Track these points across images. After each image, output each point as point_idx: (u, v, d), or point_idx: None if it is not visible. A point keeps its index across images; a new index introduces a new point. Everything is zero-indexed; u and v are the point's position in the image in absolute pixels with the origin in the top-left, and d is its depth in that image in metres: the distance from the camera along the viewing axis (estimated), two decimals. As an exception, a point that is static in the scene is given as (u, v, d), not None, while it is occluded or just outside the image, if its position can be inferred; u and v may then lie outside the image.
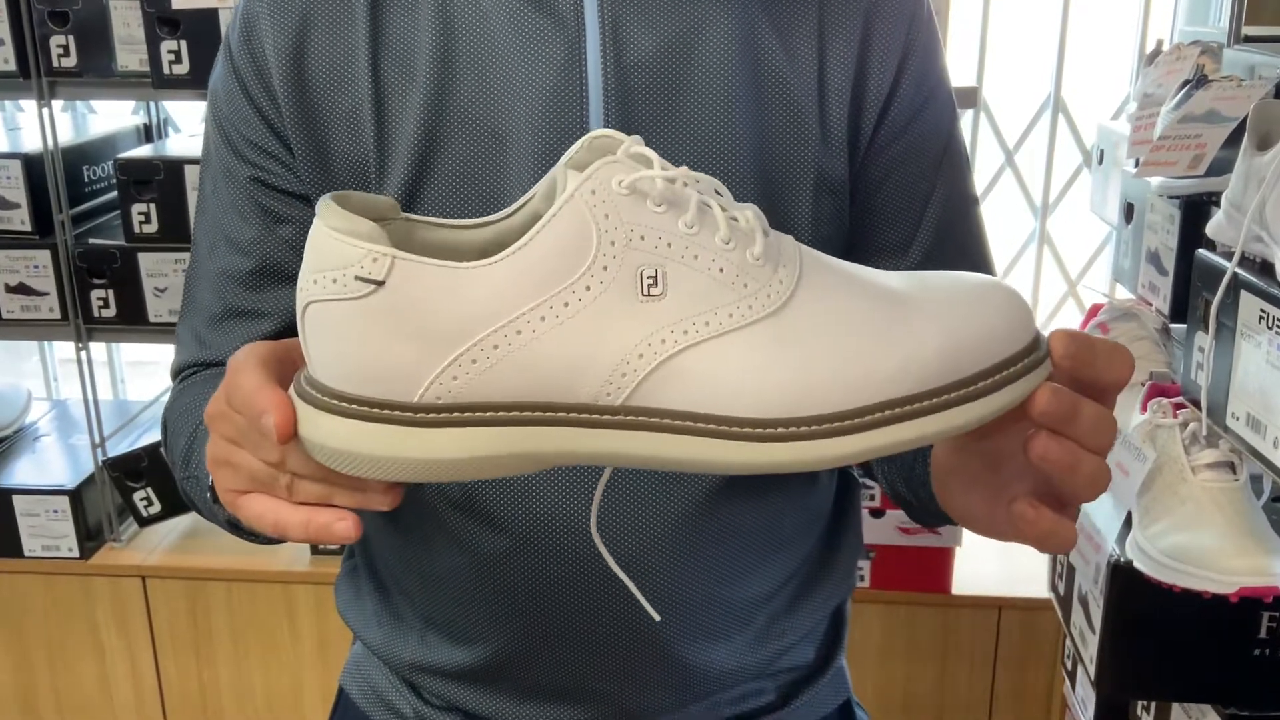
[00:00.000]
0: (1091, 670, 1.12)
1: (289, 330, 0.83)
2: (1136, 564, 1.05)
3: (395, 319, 0.51)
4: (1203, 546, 1.00)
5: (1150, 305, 1.33)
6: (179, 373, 0.87)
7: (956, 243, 0.86)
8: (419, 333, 0.51)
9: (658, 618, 0.69)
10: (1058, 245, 2.13)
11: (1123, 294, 1.54)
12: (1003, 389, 0.53)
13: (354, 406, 0.52)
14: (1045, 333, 0.56)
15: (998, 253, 2.29)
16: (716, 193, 0.55)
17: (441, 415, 0.51)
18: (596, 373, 0.52)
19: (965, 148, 0.88)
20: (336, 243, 0.51)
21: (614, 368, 0.52)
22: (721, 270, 0.53)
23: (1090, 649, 1.12)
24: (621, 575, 0.65)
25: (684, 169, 0.54)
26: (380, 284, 0.50)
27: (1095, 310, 1.44)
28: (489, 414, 0.52)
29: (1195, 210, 1.22)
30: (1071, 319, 2.06)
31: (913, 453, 0.76)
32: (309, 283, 0.52)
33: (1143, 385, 1.21)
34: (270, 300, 0.83)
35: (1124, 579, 1.06)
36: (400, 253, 0.51)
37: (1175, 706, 1.17)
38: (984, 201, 2.14)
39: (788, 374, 0.52)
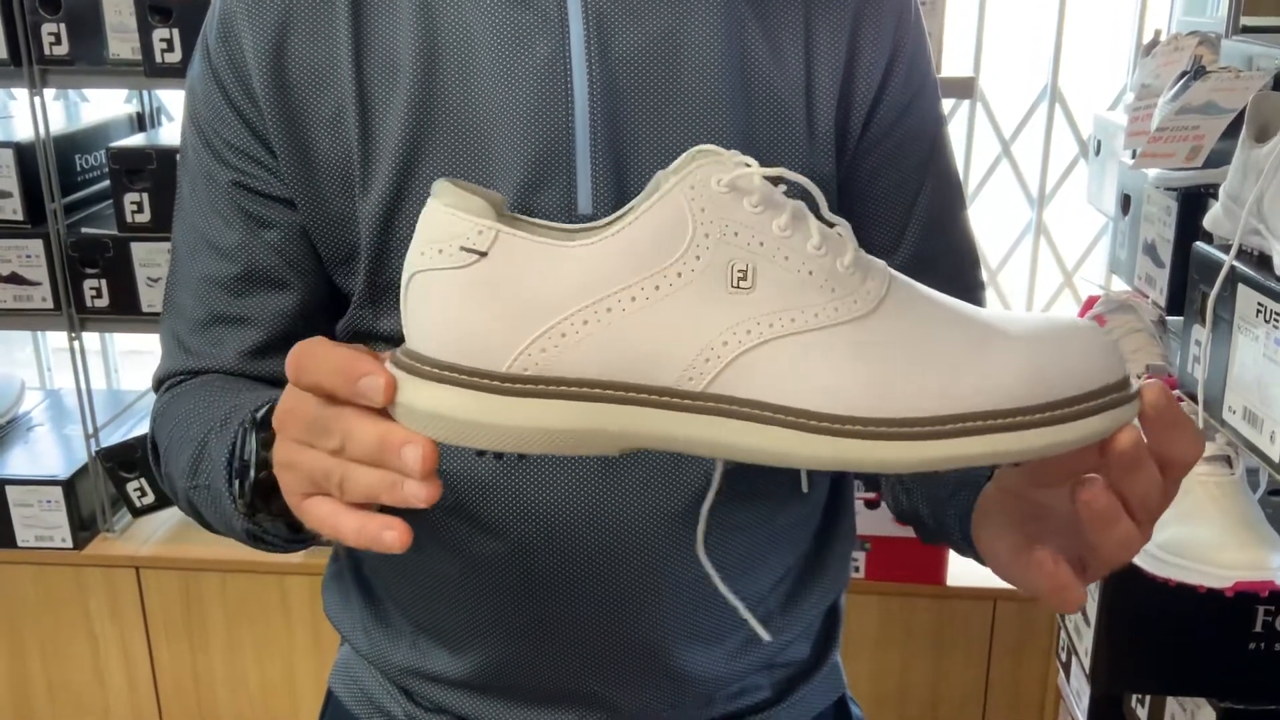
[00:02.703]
0: (1087, 663, 1.12)
1: (275, 338, 0.81)
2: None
3: (493, 290, 0.53)
4: (1199, 540, 1.00)
5: (1147, 297, 1.33)
6: (162, 382, 0.85)
7: (945, 241, 0.86)
8: (514, 304, 0.53)
9: (768, 638, 0.71)
10: (1054, 236, 2.12)
11: (1119, 285, 1.54)
12: (1087, 418, 0.53)
13: (447, 373, 0.54)
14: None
15: (994, 243, 2.28)
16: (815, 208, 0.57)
17: (527, 386, 0.53)
18: (681, 356, 0.53)
19: (950, 145, 0.87)
20: (448, 217, 0.53)
21: (698, 353, 0.53)
22: (811, 273, 0.54)
23: (1086, 642, 1.12)
24: (730, 596, 0.68)
25: (784, 169, 0.55)
26: (484, 254, 0.53)
27: (1092, 302, 1.44)
28: (572, 388, 0.53)
29: (1193, 202, 1.21)
30: (1067, 310, 2.06)
31: (955, 482, 0.76)
32: (416, 255, 0.54)
33: (1139, 378, 1.21)
34: (256, 306, 0.80)
35: (1120, 572, 1.06)
36: (505, 227, 0.53)
37: (1169, 700, 1.17)
38: (980, 192, 2.14)
39: (867, 376, 0.53)
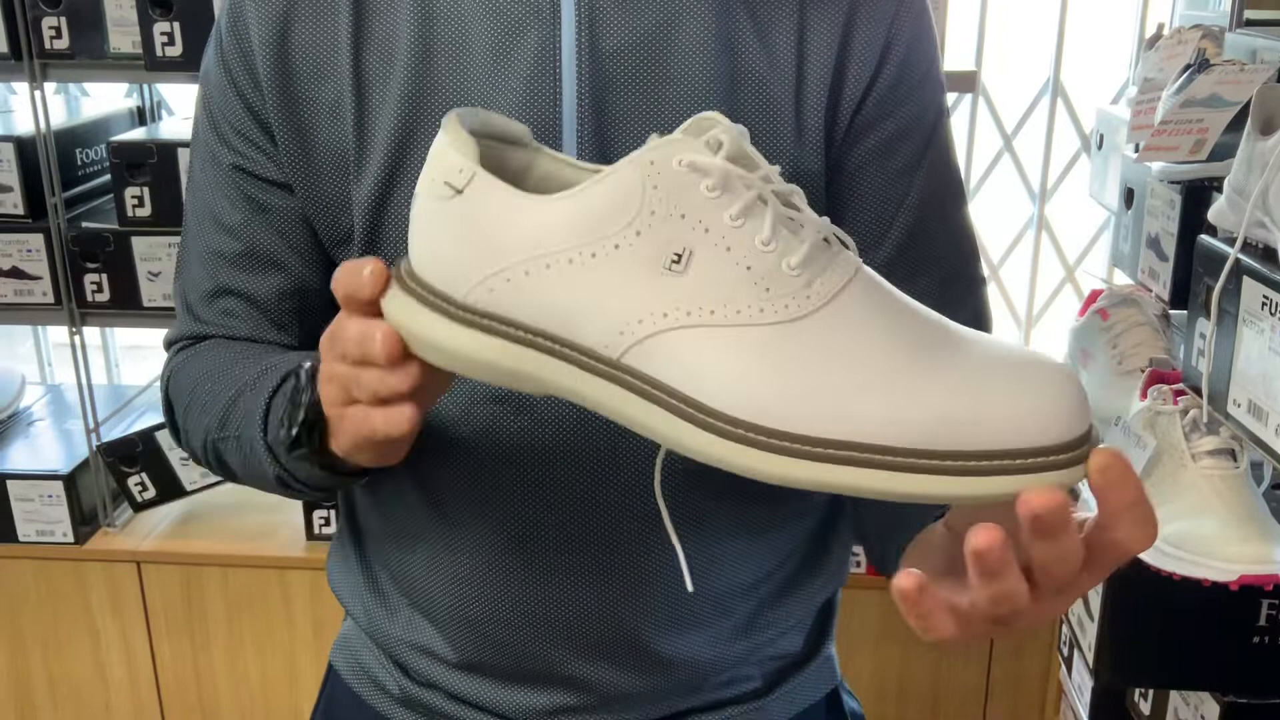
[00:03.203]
0: (1089, 657, 1.12)
1: (282, 315, 0.85)
2: (1136, 551, 1.04)
3: (464, 225, 0.57)
4: (1203, 534, 0.99)
5: (1150, 291, 1.32)
6: (174, 343, 0.88)
7: (939, 235, 0.84)
8: (477, 241, 0.57)
9: (691, 588, 0.70)
10: (1056, 231, 2.12)
11: (1122, 280, 1.53)
12: (984, 476, 0.50)
13: (420, 290, 0.59)
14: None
15: (995, 239, 2.26)
16: (793, 205, 0.57)
17: (474, 317, 0.58)
18: (602, 324, 0.55)
19: (951, 138, 0.85)
20: (443, 151, 0.58)
21: (617, 324, 0.55)
22: (749, 268, 0.55)
23: (1089, 636, 1.11)
24: (674, 538, 0.68)
25: (776, 168, 0.56)
26: (459, 192, 0.57)
27: (1094, 296, 1.44)
28: (507, 328, 0.57)
29: (1197, 196, 1.21)
30: (1070, 305, 2.05)
31: (915, 517, 0.71)
32: (420, 181, 0.59)
33: (1142, 372, 1.21)
34: (259, 284, 0.84)
35: (1123, 566, 1.06)
36: (482, 171, 0.57)
37: (1173, 694, 1.17)
38: (982, 187, 2.13)
39: (770, 381, 0.53)
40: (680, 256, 0.55)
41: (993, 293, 2.21)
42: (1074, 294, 2.13)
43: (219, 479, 1.91)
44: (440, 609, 0.86)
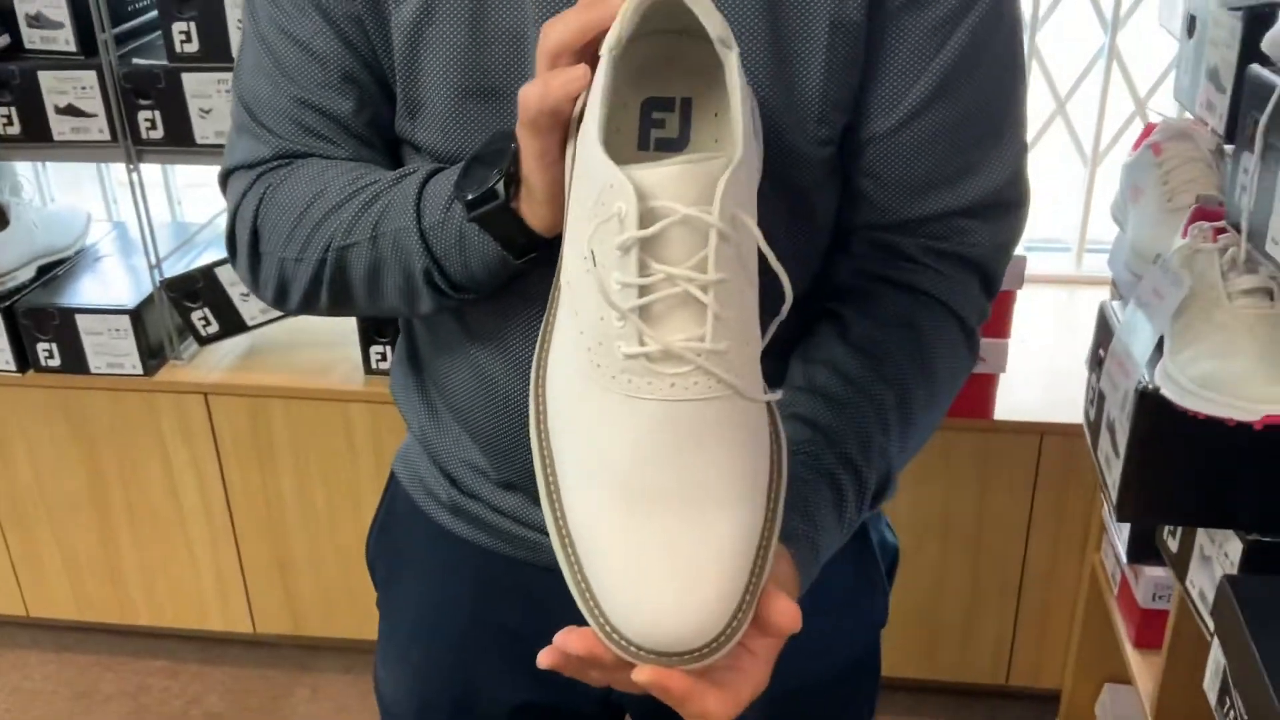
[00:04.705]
0: (1114, 495, 1.12)
1: (363, 132, 0.83)
2: (1164, 390, 1.04)
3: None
4: (1231, 373, 0.98)
5: (1206, 125, 1.27)
6: (252, 165, 0.85)
7: (963, 107, 0.77)
8: None
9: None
10: (1128, 62, 2.04)
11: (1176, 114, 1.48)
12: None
13: None
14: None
15: (1063, 70, 2.17)
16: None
17: None
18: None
19: (1012, 9, 0.78)
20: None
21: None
22: (581, 333, 0.60)
23: (1114, 474, 1.12)
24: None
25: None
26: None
27: (1149, 130, 1.39)
28: None
29: (1259, 24, 1.15)
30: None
31: None
32: None
33: (1189, 209, 1.17)
34: (339, 101, 0.81)
35: (1151, 405, 1.05)
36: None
37: (1199, 532, 1.18)
38: (1048, 20, 2.05)
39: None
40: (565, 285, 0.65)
41: (1058, 127, 2.15)
42: (1142, 128, 2.06)
43: (279, 314, 1.97)
44: (481, 430, 0.89)
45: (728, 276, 0.57)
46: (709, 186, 0.56)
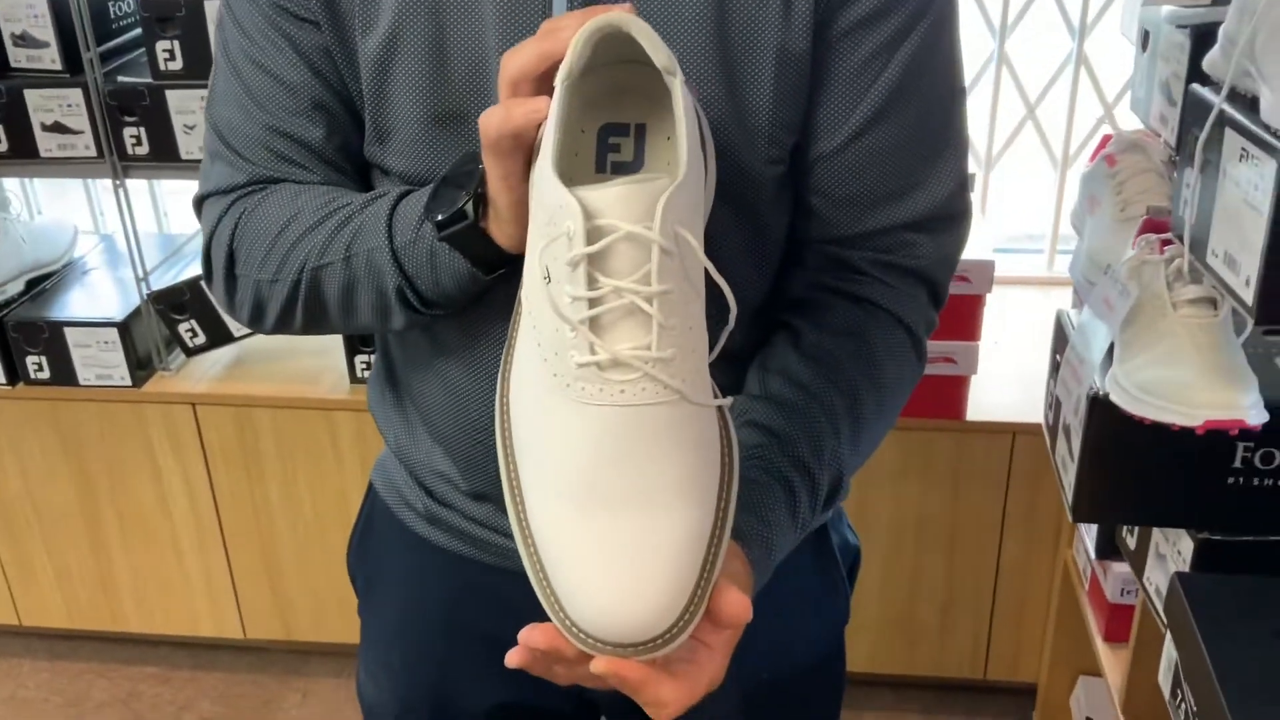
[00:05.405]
0: (1069, 496, 1.16)
1: (334, 158, 0.86)
2: (1113, 397, 1.08)
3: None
4: (1176, 380, 1.02)
5: (1159, 137, 1.31)
6: (226, 191, 0.87)
7: (904, 126, 0.81)
8: None
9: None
10: (1096, 68, 2.08)
11: (1135, 125, 1.51)
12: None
13: None
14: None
15: (1033, 77, 2.20)
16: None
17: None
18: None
19: (954, 30, 0.82)
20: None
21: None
22: (539, 344, 0.64)
23: (1070, 476, 1.16)
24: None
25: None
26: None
27: (1105, 141, 1.43)
28: None
29: (1205, 40, 1.19)
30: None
31: None
32: None
33: (1141, 219, 1.21)
34: (309, 128, 0.84)
35: (1101, 411, 1.09)
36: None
37: (1154, 531, 1.22)
38: (1018, 27, 2.08)
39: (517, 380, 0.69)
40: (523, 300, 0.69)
41: (1029, 131, 2.19)
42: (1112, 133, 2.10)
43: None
44: (452, 442, 0.92)
45: (671, 288, 0.60)
46: (651, 205, 0.59)
